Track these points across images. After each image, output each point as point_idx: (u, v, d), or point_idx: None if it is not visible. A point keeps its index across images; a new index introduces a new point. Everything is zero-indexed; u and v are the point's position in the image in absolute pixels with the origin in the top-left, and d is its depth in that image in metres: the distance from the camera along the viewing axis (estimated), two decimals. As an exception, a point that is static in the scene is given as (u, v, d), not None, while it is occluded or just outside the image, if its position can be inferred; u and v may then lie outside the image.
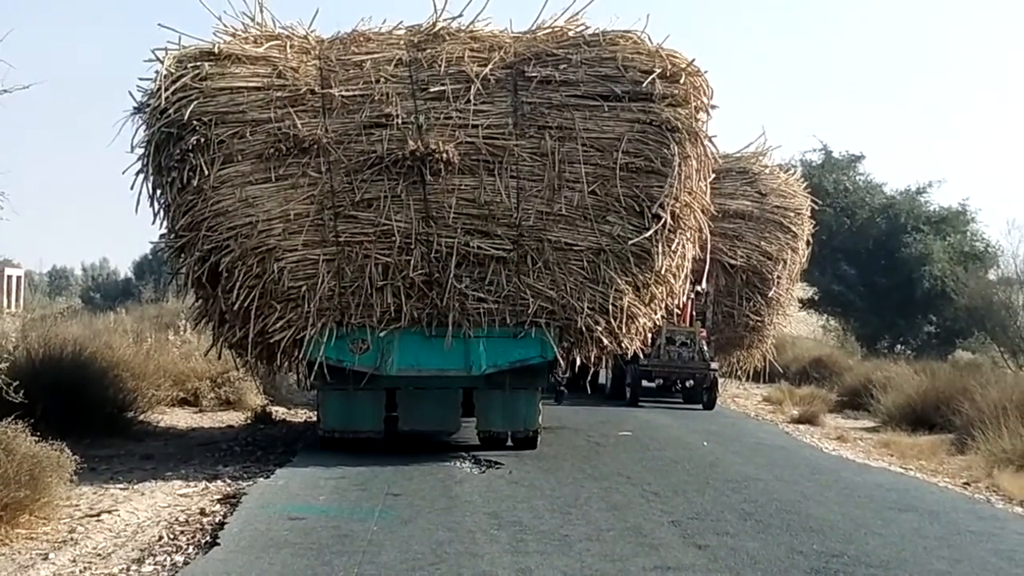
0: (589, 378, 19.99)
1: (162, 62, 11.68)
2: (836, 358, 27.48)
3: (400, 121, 11.84)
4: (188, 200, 11.59)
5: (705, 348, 19.71)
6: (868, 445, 15.77)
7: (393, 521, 8.90)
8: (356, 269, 11.84)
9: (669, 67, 12.10)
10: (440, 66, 12.02)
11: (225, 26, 12.14)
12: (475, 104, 11.96)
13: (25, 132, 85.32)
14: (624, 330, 12.36)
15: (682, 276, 12.96)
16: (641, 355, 16.01)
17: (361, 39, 12.40)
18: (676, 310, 18.00)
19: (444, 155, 11.74)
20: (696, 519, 9.31)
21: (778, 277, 21.14)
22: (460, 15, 12.45)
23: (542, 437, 13.13)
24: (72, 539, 8.27)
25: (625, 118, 12.05)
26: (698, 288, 19.05)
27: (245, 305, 11.65)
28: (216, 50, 11.80)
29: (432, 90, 11.98)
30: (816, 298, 33.94)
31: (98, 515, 9.09)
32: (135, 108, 11.81)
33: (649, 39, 12.34)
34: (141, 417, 14.48)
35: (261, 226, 11.63)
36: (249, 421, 15.46)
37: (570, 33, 12.47)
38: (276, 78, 11.81)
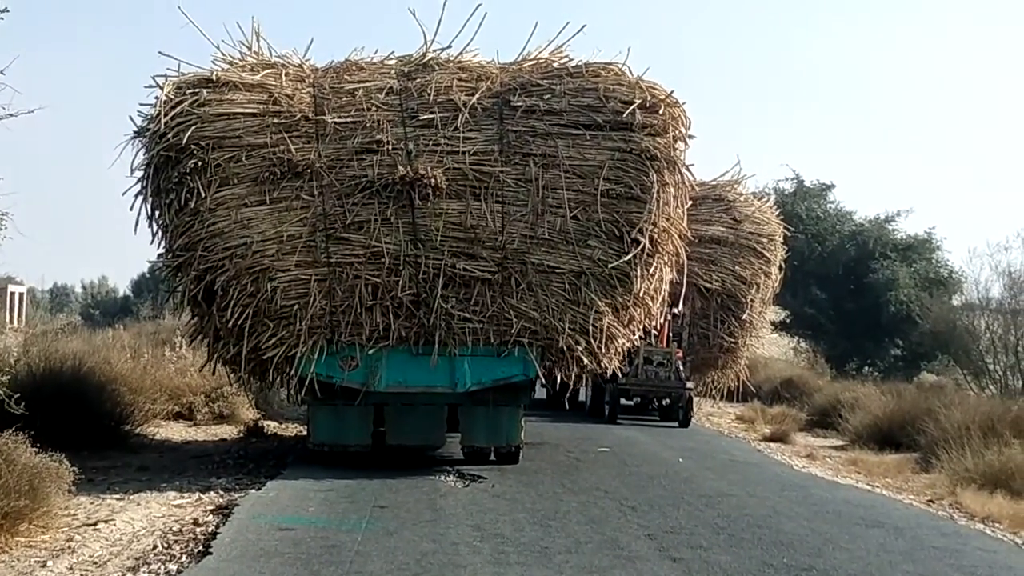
0: (568, 396, 20.40)
1: (162, 88, 11.85)
2: (806, 379, 27.76)
3: (390, 147, 12.01)
4: (185, 221, 11.74)
5: (681, 368, 19.95)
6: (837, 463, 15.94)
7: (379, 532, 8.97)
8: (346, 289, 11.98)
9: (649, 98, 12.31)
10: (429, 95, 12.20)
11: (223, 55, 12.35)
12: (462, 132, 12.12)
13: (28, 153, 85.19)
14: (603, 350, 12.54)
15: (659, 299, 13.12)
16: (620, 374, 16.22)
17: (353, 68, 12.60)
18: (653, 331, 18.27)
19: (432, 180, 11.92)
20: (671, 533, 9.42)
21: (751, 300, 21.39)
22: (449, 46, 12.70)
23: (524, 452, 13.30)
24: (70, 547, 8.37)
25: (606, 146, 12.25)
26: (675, 310, 19.27)
27: (239, 323, 11.80)
28: (214, 77, 11.96)
29: (421, 118, 12.16)
30: (788, 321, 34.38)
31: (95, 524, 9.18)
32: (135, 132, 11.95)
33: (630, 71, 12.57)
34: (137, 430, 14.54)
35: (255, 247, 11.77)
36: (241, 435, 15.55)
37: (554, 64, 12.68)
38: (271, 105, 11.96)
